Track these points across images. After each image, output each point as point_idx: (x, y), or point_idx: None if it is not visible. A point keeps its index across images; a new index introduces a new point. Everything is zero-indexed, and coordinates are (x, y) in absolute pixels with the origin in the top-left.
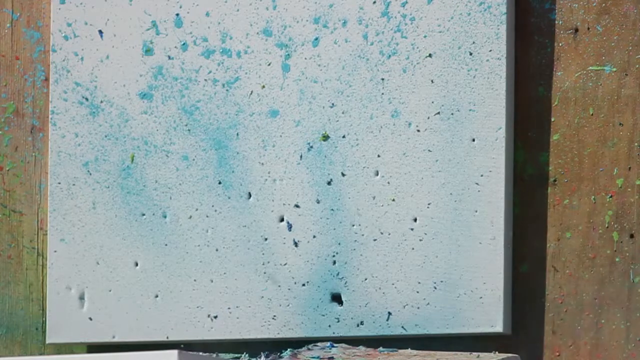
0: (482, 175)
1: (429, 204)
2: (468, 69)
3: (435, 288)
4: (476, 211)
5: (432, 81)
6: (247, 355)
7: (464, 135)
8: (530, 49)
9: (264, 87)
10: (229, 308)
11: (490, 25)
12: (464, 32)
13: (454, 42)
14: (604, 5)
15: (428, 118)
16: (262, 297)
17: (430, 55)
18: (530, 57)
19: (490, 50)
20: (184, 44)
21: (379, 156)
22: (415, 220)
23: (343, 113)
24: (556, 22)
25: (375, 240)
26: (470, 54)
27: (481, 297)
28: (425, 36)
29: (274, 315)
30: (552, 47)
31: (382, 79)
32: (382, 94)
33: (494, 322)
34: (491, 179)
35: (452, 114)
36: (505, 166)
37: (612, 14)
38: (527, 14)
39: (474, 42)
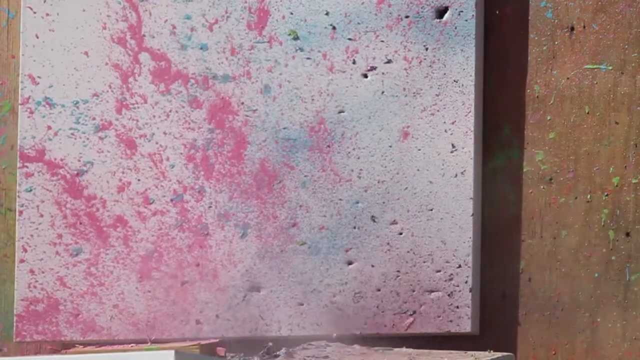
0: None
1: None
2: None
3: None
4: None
5: None
6: (241, 355)
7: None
8: (526, 47)
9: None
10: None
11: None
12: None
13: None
14: (599, 3)
15: None
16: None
17: None
18: (527, 56)
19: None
20: None
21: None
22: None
23: None
24: (552, 20)
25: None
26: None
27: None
28: None
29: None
30: (548, 45)
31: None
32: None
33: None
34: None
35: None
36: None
37: (607, 13)
38: (523, 12)
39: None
